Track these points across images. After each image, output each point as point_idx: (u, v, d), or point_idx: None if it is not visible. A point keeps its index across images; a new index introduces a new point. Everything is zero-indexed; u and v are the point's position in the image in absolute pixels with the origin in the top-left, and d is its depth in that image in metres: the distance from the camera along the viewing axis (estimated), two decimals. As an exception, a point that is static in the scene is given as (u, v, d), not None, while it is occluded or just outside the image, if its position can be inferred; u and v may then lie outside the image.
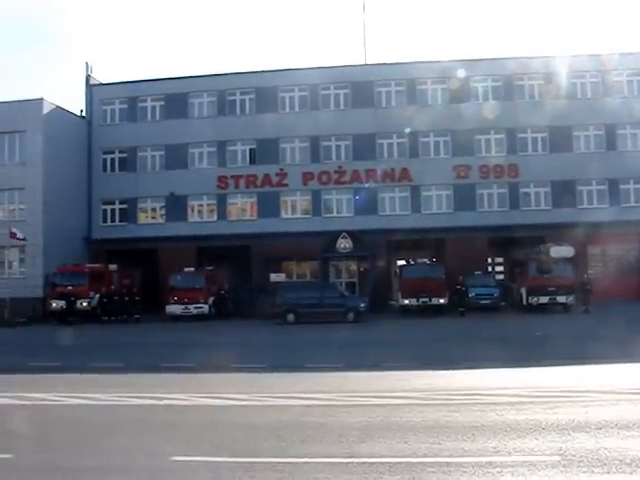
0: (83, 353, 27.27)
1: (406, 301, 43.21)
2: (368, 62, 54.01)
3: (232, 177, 52.74)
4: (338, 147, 52.09)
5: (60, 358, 24.65)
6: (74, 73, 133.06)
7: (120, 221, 54.52)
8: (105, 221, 54.88)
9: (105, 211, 54.99)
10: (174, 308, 44.64)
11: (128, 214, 54.40)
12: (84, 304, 45.52)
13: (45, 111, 50.56)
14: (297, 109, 52.89)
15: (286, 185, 52.38)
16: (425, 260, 45.71)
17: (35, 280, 49.39)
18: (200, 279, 45.51)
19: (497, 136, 51.70)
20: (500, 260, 52.10)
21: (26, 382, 19.33)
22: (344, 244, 50.10)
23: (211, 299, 45.59)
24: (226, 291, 47.47)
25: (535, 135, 51.44)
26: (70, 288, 45.00)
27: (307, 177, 52.47)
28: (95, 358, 24.42)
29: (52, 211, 49.91)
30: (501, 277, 50.18)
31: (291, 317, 40.45)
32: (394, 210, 51.62)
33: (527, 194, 51.27)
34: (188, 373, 20.52)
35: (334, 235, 49.66)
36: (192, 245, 52.14)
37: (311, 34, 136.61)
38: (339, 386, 17.48)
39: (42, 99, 50.65)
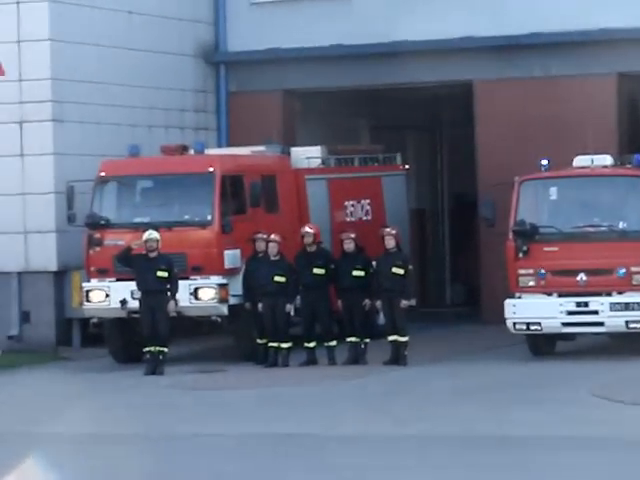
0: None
1: None
2: None
3: None
4: None
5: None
6: None
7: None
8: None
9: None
10: (535, 306, 16.92)
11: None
12: (210, 296, 17.01)
13: None
14: None
15: None
16: None
17: (30, 209, 19.92)
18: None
19: None
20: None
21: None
22: None
23: None
24: None
25: None
26: (154, 238, 16.61)
27: None
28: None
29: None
30: None
31: None
32: None
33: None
34: None
35: None
36: (606, 76, 22.46)
37: None
38: None
39: None
